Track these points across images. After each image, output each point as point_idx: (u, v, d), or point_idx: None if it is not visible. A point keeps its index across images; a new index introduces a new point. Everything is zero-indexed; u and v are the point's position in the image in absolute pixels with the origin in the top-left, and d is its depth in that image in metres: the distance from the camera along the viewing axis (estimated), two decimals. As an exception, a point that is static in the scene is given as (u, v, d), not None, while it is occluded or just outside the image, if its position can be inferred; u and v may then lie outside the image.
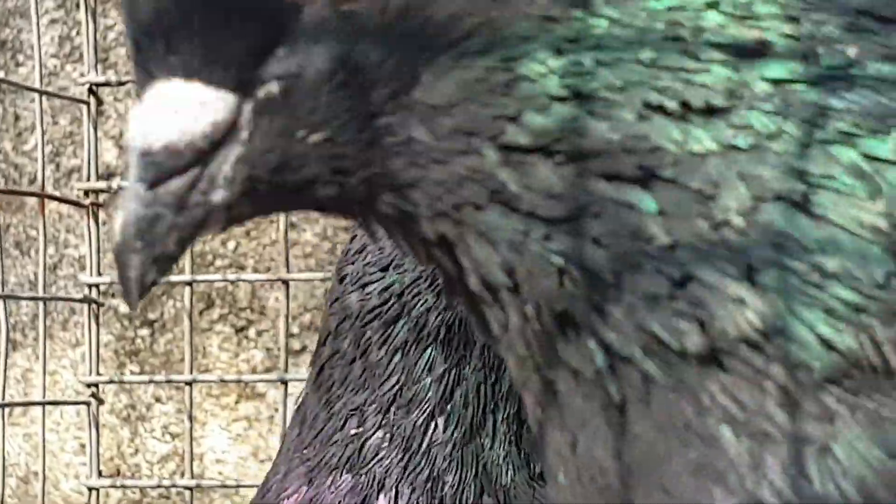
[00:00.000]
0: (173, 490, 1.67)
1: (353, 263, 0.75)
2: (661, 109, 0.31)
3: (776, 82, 0.31)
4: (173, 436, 1.76)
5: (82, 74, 1.49)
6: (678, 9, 0.31)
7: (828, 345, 0.30)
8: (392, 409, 0.71)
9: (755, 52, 0.31)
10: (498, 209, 0.32)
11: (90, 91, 1.44)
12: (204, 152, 0.31)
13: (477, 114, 0.31)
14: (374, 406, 0.71)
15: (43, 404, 1.48)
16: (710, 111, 0.31)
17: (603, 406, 0.34)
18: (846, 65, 0.32)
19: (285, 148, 0.32)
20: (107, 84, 1.50)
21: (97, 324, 1.44)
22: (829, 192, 0.30)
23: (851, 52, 0.32)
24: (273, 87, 0.31)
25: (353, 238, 0.78)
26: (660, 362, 0.32)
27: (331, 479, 0.71)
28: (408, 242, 0.35)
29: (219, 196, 0.32)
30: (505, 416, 0.72)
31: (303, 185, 0.33)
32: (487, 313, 0.34)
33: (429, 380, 0.71)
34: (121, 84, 1.53)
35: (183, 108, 0.31)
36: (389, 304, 0.72)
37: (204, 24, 0.31)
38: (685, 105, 0.31)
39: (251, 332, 1.76)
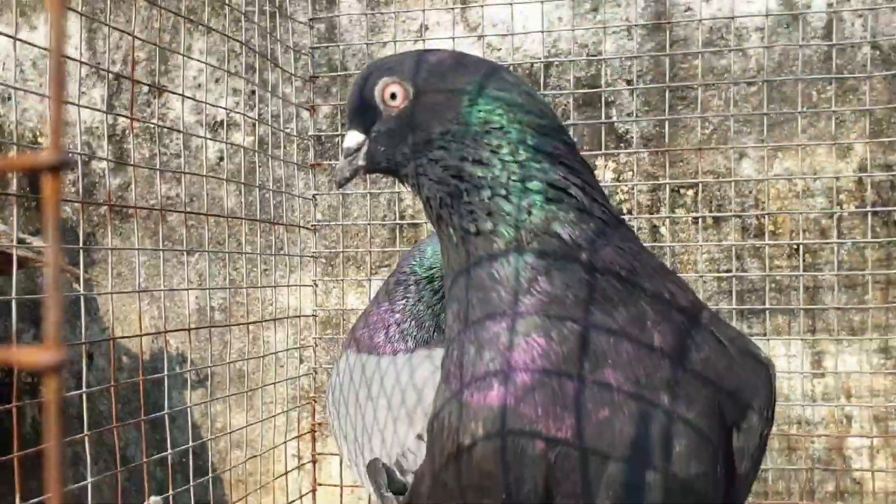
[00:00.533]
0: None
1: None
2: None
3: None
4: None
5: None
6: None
7: (508, 234, 0.81)
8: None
9: None
10: (436, 183, 0.85)
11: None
12: (356, 150, 0.91)
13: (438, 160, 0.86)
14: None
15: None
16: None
17: (462, 263, 0.83)
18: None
19: (375, 152, 0.90)
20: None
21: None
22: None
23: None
24: (373, 134, 0.90)
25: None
26: (463, 237, 0.83)
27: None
28: (412, 187, 0.88)
29: (359, 161, 0.92)
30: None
31: (382, 164, 0.90)
32: (429, 213, 0.86)
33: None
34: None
35: (353, 138, 0.92)
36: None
37: (359, 115, 0.91)
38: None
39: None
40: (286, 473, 2.00)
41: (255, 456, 1.91)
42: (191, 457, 1.73)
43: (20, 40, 1.27)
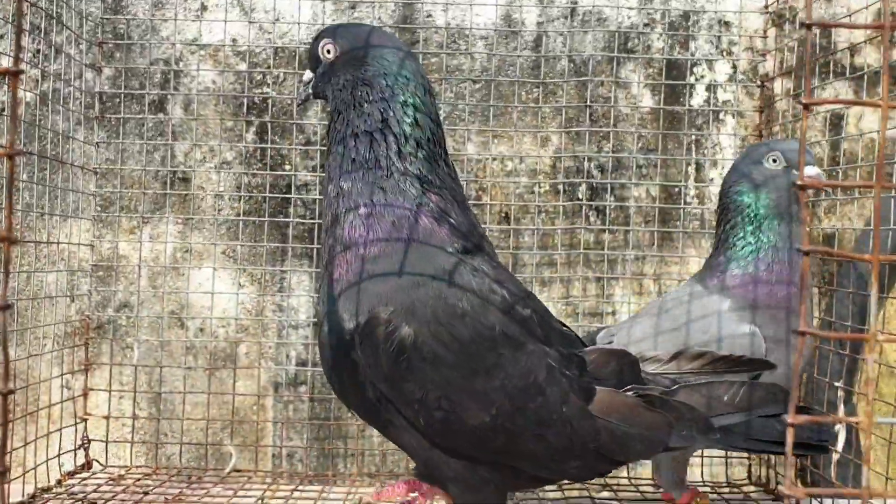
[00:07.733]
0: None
1: None
2: None
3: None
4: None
5: None
6: None
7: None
8: None
9: None
10: None
11: None
12: (308, 83, 1.41)
13: None
14: None
15: None
16: None
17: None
18: None
19: (316, 86, 1.40)
20: None
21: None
22: None
23: None
24: (318, 74, 1.39)
25: None
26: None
27: None
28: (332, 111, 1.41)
29: (308, 90, 1.41)
30: None
31: (319, 93, 1.41)
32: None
33: None
34: None
35: (307, 75, 1.42)
36: None
37: (311, 60, 1.40)
38: None
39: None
40: (61, 403, 2.13)
41: (25, 387, 2.04)
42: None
43: None
